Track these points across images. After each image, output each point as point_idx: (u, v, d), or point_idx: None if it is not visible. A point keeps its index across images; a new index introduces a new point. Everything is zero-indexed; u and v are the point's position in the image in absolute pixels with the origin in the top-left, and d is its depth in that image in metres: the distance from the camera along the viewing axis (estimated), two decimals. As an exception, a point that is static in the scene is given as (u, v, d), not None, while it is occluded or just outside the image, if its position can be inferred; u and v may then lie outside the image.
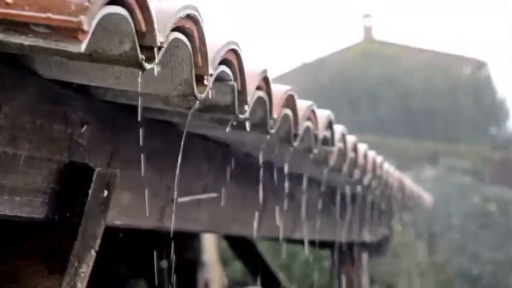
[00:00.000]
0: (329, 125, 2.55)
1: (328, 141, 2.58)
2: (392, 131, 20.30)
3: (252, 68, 1.83)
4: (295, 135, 2.21)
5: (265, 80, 1.91)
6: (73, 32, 1.12)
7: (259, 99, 1.90)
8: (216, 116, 1.85)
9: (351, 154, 3.00)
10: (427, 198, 7.15)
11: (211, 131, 2.32)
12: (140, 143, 1.92)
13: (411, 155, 16.50)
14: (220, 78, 1.70)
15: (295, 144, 2.23)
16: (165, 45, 1.35)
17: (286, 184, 2.97)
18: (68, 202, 1.71)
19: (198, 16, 1.46)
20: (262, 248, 5.76)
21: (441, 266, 12.71)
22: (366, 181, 3.51)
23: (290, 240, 4.07)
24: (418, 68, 24.04)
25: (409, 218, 12.57)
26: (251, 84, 1.81)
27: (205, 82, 1.57)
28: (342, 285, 5.48)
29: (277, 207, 3.17)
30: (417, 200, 6.22)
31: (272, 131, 2.02)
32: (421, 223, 13.00)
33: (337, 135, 2.67)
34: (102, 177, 1.75)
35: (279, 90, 2.05)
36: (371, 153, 3.61)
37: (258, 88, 1.88)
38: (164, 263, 5.48)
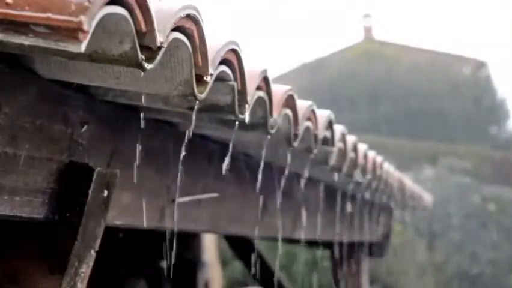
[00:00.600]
0: (329, 125, 2.55)
1: (328, 141, 2.58)
2: (392, 131, 20.30)
3: (252, 68, 1.83)
4: (295, 135, 2.21)
5: (265, 80, 1.91)
6: (73, 32, 1.12)
7: (259, 99, 1.90)
8: (216, 116, 1.85)
9: (351, 154, 3.00)
10: (427, 198, 7.15)
11: (211, 131, 2.33)
12: (140, 143, 1.92)
13: (411, 155, 16.50)
14: (220, 78, 1.70)
15: (295, 144, 2.23)
16: (165, 45, 1.35)
17: (286, 184, 2.97)
18: (68, 202, 1.71)
19: (198, 16, 1.46)
20: (262, 248, 5.76)
21: (441, 266, 12.72)
22: (366, 181, 3.51)
23: (290, 240, 4.07)
24: (418, 68, 24.05)
25: (409, 218, 12.57)
26: (251, 84, 1.81)
27: (205, 82, 1.57)
28: (342, 285, 5.48)
29: (277, 207, 3.17)
30: (417, 200, 6.22)
31: (272, 131, 2.02)
32: (421, 223, 13.00)
33: (337, 135, 2.67)
34: (102, 177, 1.75)
35: (279, 90, 2.05)
36: (371, 153, 3.61)
37: (258, 88, 1.88)
38: (164, 263, 5.49)
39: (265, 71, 1.89)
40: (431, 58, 24.86)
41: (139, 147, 1.96)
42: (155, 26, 1.31)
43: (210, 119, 1.98)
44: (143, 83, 1.51)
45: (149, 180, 2.11)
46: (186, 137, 1.94)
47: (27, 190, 1.61)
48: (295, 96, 2.15)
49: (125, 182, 1.96)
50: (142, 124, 1.95)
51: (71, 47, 1.14)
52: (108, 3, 1.19)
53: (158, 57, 1.35)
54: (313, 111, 2.35)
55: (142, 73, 1.38)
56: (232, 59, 1.70)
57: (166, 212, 2.27)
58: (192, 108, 1.74)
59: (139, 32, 1.29)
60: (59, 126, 1.68)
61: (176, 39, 1.42)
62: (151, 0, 1.29)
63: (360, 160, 3.23)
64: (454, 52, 26.86)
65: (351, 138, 3.00)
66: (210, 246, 6.54)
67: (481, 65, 25.61)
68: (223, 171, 2.29)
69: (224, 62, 1.66)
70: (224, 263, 8.85)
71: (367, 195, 4.68)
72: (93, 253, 1.78)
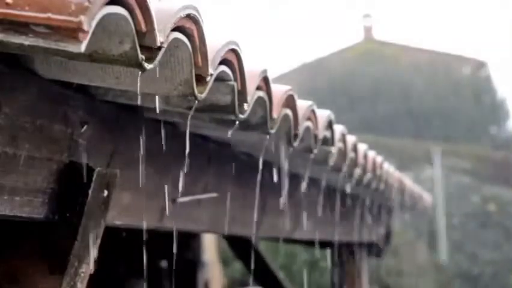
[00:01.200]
0: (329, 125, 2.55)
1: (328, 141, 2.58)
2: (392, 131, 20.30)
3: (252, 68, 1.83)
4: (295, 135, 2.21)
5: (265, 80, 1.91)
6: (73, 32, 1.12)
7: (259, 99, 1.90)
8: (216, 116, 1.85)
9: (351, 154, 3.00)
10: (427, 198, 7.15)
11: (211, 131, 2.32)
12: (141, 143, 1.92)
13: (411, 155, 16.50)
14: (220, 78, 1.70)
15: (295, 144, 2.23)
16: (165, 45, 1.35)
17: (286, 184, 2.97)
18: (68, 202, 1.71)
19: (198, 16, 1.46)
20: (262, 248, 5.76)
21: (441, 266, 12.72)
22: (366, 181, 3.51)
23: (290, 240, 4.07)
24: (418, 68, 24.05)
25: (409, 218, 12.57)
26: (251, 84, 1.81)
27: (205, 82, 1.57)
28: (342, 285, 5.47)
29: (277, 207, 3.17)
30: (417, 200, 6.22)
31: (272, 131, 2.02)
32: (421, 223, 13.00)
33: (337, 135, 2.67)
34: (102, 177, 1.75)
35: (279, 90, 2.05)
36: (371, 153, 3.61)
37: (258, 88, 1.88)
38: (164, 263, 5.49)
39: (265, 71, 1.89)
40: (431, 58, 24.86)
41: (139, 148, 1.96)
42: (155, 26, 1.31)
43: (210, 119, 1.98)
44: (143, 83, 1.51)
45: (149, 180, 2.11)
46: (186, 137, 1.94)
47: (27, 190, 1.61)
48: (295, 96, 2.15)
49: (125, 182, 1.96)
50: (142, 124, 1.95)
51: (71, 47, 1.14)
52: (108, 3, 1.19)
53: (158, 57, 1.35)
54: (313, 111, 2.35)
55: (140, 73, 1.38)
56: (232, 59, 1.70)
57: (166, 212, 2.27)
58: (191, 108, 1.74)
59: (139, 32, 1.29)
60: (59, 126, 1.68)
61: (176, 39, 1.42)
62: (151, 0, 1.29)
63: (360, 160, 3.23)
64: (454, 52, 26.88)
65: (351, 138, 3.00)
66: (210, 246, 6.54)
67: (481, 65, 25.62)
68: (224, 171, 2.29)
69: (224, 62, 1.66)
70: (224, 263, 8.85)
71: (367, 195, 4.68)
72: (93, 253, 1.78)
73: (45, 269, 1.69)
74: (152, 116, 2.04)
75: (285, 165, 2.76)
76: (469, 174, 15.32)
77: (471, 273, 12.78)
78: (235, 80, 1.74)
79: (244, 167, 2.82)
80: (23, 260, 1.70)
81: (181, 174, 2.08)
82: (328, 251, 5.48)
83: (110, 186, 1.79)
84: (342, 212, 4.12)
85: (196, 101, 1.60)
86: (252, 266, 5.43)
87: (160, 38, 1.33)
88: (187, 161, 2.05)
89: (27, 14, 1.12)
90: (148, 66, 1.33)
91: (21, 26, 1.13)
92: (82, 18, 1.12)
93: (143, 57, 1.32)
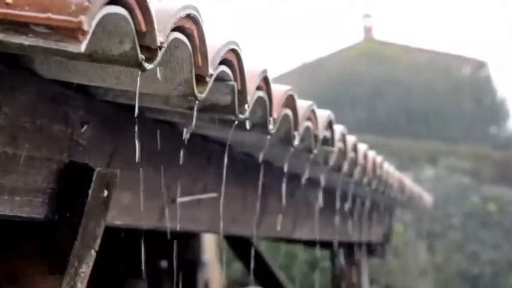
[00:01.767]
0: (329, 125, 2.55)
1: (328, 141, 2.58)
2: (392, 131, 20.30)
3: (252, 68, 1.83)
4: (295, 135, 2.21)
5: (265, 80, 1.91)
6: (73, 32, 1.12)
7: (259, 99, 1.90)
8: (216, 116, 1.85)
9: (351, 154, 2.99)
10: (427, 198, 7.14)
11: (211, 131, 2.32)
12: (141, 143, 1.92)
13: (411, 155, 16.50)
14: (220, 78, 1.70)
15: (295, 144, 2.23)
16: (165, 45, 1.35)
17: (286, 184, 2.97)
18: (68, 202, 1.71)
19: (198, 16, 1.46)
20: (262, 248, 5.76)
21: (441, 266, 12.72)
22: (366, 181, 3.51)
23: (290, 240, 4.07)
24: (418, 68, 24.05)
25: (409, 218, 12.57)
26: (251, 84, 1.81)
27: (205, 82, 1.57)
28: (342, 285, 5.48)
29: (277, 207, 3.17)
30: (417, 200, 6.22)
31: (272, 131, 2.02)
32: (421, 223, 13.00)
33: (337, 135, 2.67)
34: (102, 177, 1.75)
35: (279, 90, 2.05)
36: (371, 153, 3.61)
37: (258, 88, 1.88)
38: (164, 263, 5.49)
39: (265, 71, 1.89)
40: (431, 58, 24.86)
41: (139, 147, 1.96)
42: (155, 26, 1.31)
43: (210, 119, 1.98)
44: (143, 83, 1.51)
45: (149, 180, 2.11)
46: (186, 137, 1.94)
47: (27, 190, 1.61)
48: (295, 96, 2.15)
49: (125, 182, 1.96)
50: (142, 124, 1.95)
51: (71, 47, 1.14)
52: (108, 3, 1.19)
53: (158, 57, 1.35)
54: (313, 111, 2.35)
55: (140, 73, 1.38)
56: (232, 59, 1.70)
57: (166, 212, 2.27)
58: (191, 108, 1.74)
59: (139, 32, 1.29)
60: (59, 126, 1.68)
61: (176, 39, 1.42)
62: (151, 0, 1.29)
63: (360, 160, 3.23)
64: (454, 52, 26.89)
65: (351, 138, 3.00)
66: (210, 246, 6.53)
67: (481, 65, 25.62)
68: (223, 171, 2.29)
69: (224, 62, 1.66)
70: (224, 263, 8.85)
71: (367, 195, 4.68)
72: (93, 253, 1.78)
73: (45, 269, 1.69)
74: (153, 116, 2.04)
75: (285, 166, 2.76)
76: (469, 174, 15.31)
77: (471, 273, 12.78)
78: (235, 80, 1.74)
79: (244, 167, 2.82)
80: (23, 260, 1.70)
81: (181, 174, 2.08)
82: (328, 251, 5.48)
83: (110, 186, 1.78)
84: (342, 212, 4.12)
85: (196, 101, 1.60)
86: (252, 266, 5.43)
87: (160, 38, 1.33)
88: (187, 161, 2.05)
89: (27, 14, 1.12)
90: (148, 66, 1.33)
91: (21, 26, 1.13)
92: (82, 18, 1.12)
93: (143, 57, 1.32)
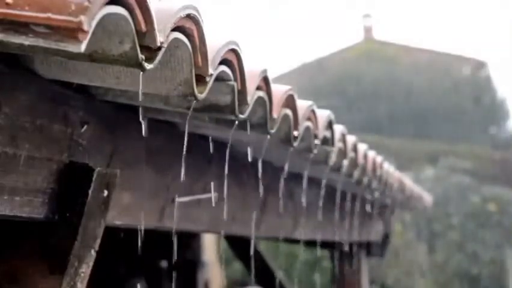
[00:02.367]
0: (329, 125, 2.55)
1: (328, 141, 2.58)
2: (392, 131, 20.30)
3: (252, 68, 1.83)
4: (295, 135, 2.21)
5: (265, 80, 1.91)
6: (73, 32, 1.12)
7: (259, 99, 1.90)
8: (216, 116, 1.85)
9: (351, 154, 2.99)
10: (427, 198, 7.14)
11: (211, 131, 2.32)
12: (140, 143, 1.92)
13: (411, 155, 16.50)
14: (220, 78, 1.70)
15: (295, 144, 2.23)
16: (165, 45, 1.35)
17: (286, 184, 2.97)
18: (68, 202, 1.71)
19: (198, 16, 1.46)
20: (262, 248, 5.76)
21: (441, 266, 12.71)
22: (366, 181, 3.51)
23: (290, 240, 4.07)
24: (418, 68, 24.06)
25: (409, 218, 12.56)
26: (251, 84, 1.81)
27: (205, 82, 1.57)
28: (342, 285, 5.47)
29: (277, 207, 3.17)
30: (417, 200, 6.22)
31: (272, 131, 2.02)
32: (421, 223, 13.00)
33: (337, 135, 2.67)
34: (102, 177, 1.75)
35: (279, 90, 2.05)
36: (371, 153, 3.61)
37: (258, 88, 1.88)
38: (164, 263, 5.49)
39: (265, 71, 1.89)
40: (431, 58, 24.87)
41: (139, 147, 1.96)
42: (155, 26, 1.31)
43: (210, 119, 1.98)
44: (143, 83, 1.51)
45: (149, 180, 2.11)
46: (185, 137, 1.93)
47: (27, 190, 1.61)
48: (295, 96, 2.15)
49: (125, 182, 1.96)
50: (142, 124, 1.95)
51: (71, 47, 1.14)
52: (108, 3, 1.19)
53: (158, 57, 1.35)
54: (313, 111, 2.35)
55: (140, 73, 1.38)
56: (232, 59, 1.70)
57: (166, 212, 2.27)
58: (191, 108, 1.74)
59: (139, 32, 1.29)
60: (59, 126, 1.68)
61: (176, 39, 1.42)
62: (151, 0, 1.29)
63: (360, 160, 3.23)
64: (454, 52, 26.90)
65: (351, 138, 3.00)
66: (210, 246, 6.53)
67: (481, 65, 25.63)
68: (224, 171, 2.29)
69: (224, 62, 1.66)
70: (224, 263, 8.85)
71: (367, 195, 4.67)
72: (93, 253, 1.78)
73: (45, 269, 1.69)
74: (152, 116, 2.04)
75: (285, 165, 2.76)
76: (469, 174, 15.31)
77: (471, 273, 12.78)
78: (235, 80, 1.74)
79: (244, 167, 2.82)
80: (23, 260, 1.70)
81: (181, 174, 2.08)
82: (328, 251, 5.48)
83: (110, 186, 1.79)
84: (342, 212, 4.12)
85: (196, 101, 1.60)
86: (252, 266, 5.43)
87: (160, 38, 1.33)
88: (187, 161, 2.05)
89: (27, 14, 1.12)
90: (148, 66, 1.33)
91: (21, 26, 1.13)
92: (82, 18, 1.12)
93: (143, 57, 1.32)
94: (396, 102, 22.82)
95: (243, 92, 1.78)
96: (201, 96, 1.57)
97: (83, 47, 1.14)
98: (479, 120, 23.01)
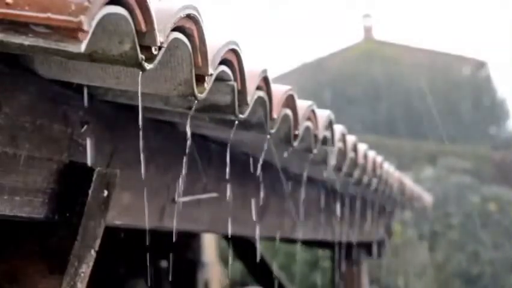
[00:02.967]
0: (329, 125, 2.55)
1: (328, 141, 2.58)
2: (392, 131, 20.30)
3: (252, 68, 1.83)
4: (295, 135, 2.21)
5: (265, 80, 1.91)
6: (73, 32, 1.12)
7: (259, 99, 1.90)
8: (216, 116, 1.85)
9: (351, 154, 2.99)
10: (427, 198, 7.14)
11: (211, 131, 2.32)
12: (140, 143, 1.92)
13: (411, 155, 16.50)
14: (220, 78, 1.70)
15: (295, 144, 2.23)
16: (165, 45, 1.35)
17: (286, 184, 2.97)
18: (68, 202, 1.71)
19: (198, 16, 1.46)
20: (262, 248, 5.76)
21: (441, 266, 12.72)
22: (366, 181, 3.51)
23: (290, 240, 4.07)
24: (418, 68, 24.05)
25: (409, 218, 12.56)
26: (251, 84, 1.81)
27: (205, 82, 1.56)
28: (342, 285, 5.47)
29: (277, 207, 3.17)
30: (417, 200, 6.22)
31: (272, 131, 2.02)
32: (421, 223, 12.99)
33: (337, 135, 2.67)
34: (102, 177, 1.75)
35: (279, 90, 2.05)
36: (371, 153, 3.61)
37: (258, 88, 1.88)
38: (164, 263, 5.49)
39: (265, 71, 1.89)
40: (431, 58, 24.87)
41: (139, 147, 1.96)
42: (155, 26, 1.31)
43: (210, 119, 1.98)
44: (143, 83, 1.51)
45: (149, 180, 2.11)
46: (186, 137, 1.93)
47: (27, 190, 1.61)
48: (295, 96, 2.15)
49: (125, 182, 1.96)
50: (142, 124, 1.95)
51: (71, 47, 1.14)
52: (108, 3, 1.19)
53: (158, 57, 1.35)
54: (313, 111, 2.35)
55: (140, 73, 1.38)
56: (232, 59, 1.70)
57: (166, 212, 2.27)
58: (191, 108, 1.74)
59: (139, 32, 1.29)
60: (59, 126, 1.68)
61: (176, 39, 1.42)
62: (151, 0, 1.29)
63: (360, 160, 3.23)
64: (454, 52, 26.90)
65: (351, 138, 3.00)
66: (210, 246, 6.53)
67: (481, 65, 25.63)
68: (224, 171, 2.29)
69: (224, 62, 1.66)
70: (224, 263, 8.85)
71: (367, 195, 4.68)
72: (93, 253, 1.78)
73: (45, 269, 1.69)
74: (152, 116, 2.04)
75: (285, 165, 2.76)
76: (469, 174, 15.30)
77: (471, 273, 12.78)
78: (235, 80, 1.74)
79: (244, 167, 2.82)
80: (23, 260, 1.70)
81: (181, 174, 2.08)
82: (328, 251, 5.48)
83: (110, 186, 1.79)
84: (342, 212, 4.12)
85: (196, 101, 1.60)
86: (252, 266, 5.43)
87: (160, 38, 1.33)
88: (187, 161, 2.05)
89: (27, 14, 1.12)
90: (148, 66, 1.33)
91: (21, 26, 1.13)
92: (82, 18, 1.12)
93: (143, 57, 1.32)
94: (396, 102, 22.82)
95: (243, 92, 1.78)
96: (201, 96, 1.57)
97: (83, 47, 1.14)
98: (479, 120, 23.01)
